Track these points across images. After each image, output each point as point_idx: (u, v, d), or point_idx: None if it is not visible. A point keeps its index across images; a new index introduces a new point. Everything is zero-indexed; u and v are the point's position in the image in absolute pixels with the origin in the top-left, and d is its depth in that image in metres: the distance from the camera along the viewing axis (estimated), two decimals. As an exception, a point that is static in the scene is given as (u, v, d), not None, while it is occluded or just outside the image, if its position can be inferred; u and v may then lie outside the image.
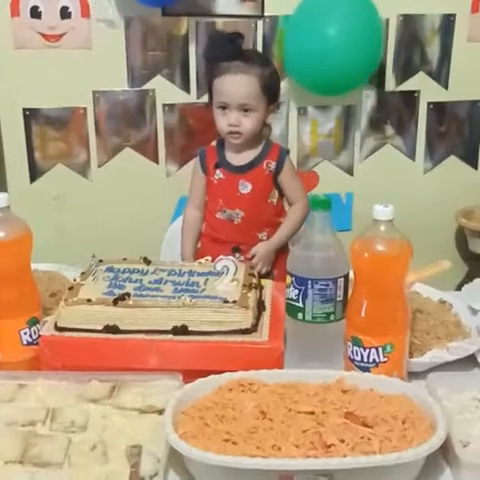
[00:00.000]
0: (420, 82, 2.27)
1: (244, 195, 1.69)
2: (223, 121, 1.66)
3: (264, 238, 1.72)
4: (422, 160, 2.36)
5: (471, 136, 2.37)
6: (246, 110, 1.64)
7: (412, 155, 2.35)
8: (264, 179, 1.69)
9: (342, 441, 0.85)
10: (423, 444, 0.83)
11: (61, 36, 2.11)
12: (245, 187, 1.69)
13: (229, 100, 1.64)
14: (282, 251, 1.73)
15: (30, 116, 2.17)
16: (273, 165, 1.68)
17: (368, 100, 2.27)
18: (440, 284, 1.31)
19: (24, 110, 2.16)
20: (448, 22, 2.22)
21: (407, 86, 2.27)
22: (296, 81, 2.15)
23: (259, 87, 1.64)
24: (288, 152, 1.73)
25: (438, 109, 2.31)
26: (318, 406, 0.91)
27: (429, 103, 2.30)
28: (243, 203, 1.69)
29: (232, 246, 1.70)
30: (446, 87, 2.29)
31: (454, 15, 2.22)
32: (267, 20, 2.15)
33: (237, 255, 1.66)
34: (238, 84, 1.63)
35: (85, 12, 2.10)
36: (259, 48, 2.16)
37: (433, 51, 2.26)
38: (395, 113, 2.30)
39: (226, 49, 1.66)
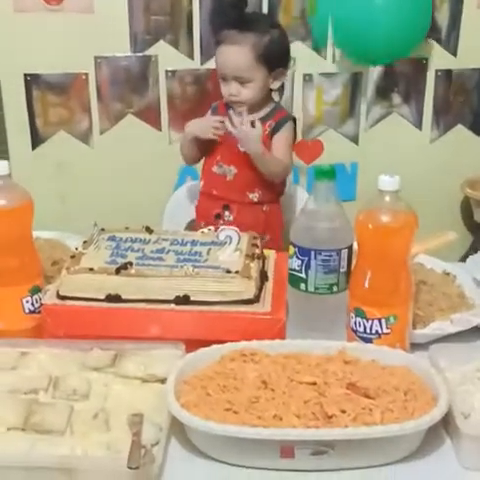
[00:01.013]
0: (428, 49, 2.23)
1: (241, 153, 1.69)
2: (224, 90, 1.68)
3: (255, 199, 1.74)
4: (429, 129, 2.33)
5: (479, 105, 2.34)
6: (242, 82, 1.64)
7: (419, 124, 2.32)
8: (263, 140, 1.68)
9: (343, 412, 0.85)
10: (424, 416, 0.83)
11: (62, -1, 2.07)
12: None
13: (224, 72, 1.66)
14: (273, 216, 1.76)
15: (31, 82, 2.14)
16: (272, 126, 1.70)
17: (375, 67, 2.23)
18: (444, 255, 1.30)
19: (25, 75, 2.13)
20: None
21: (415, 53, 2.23)
22: (342, 51, 2.12)
23: (253, 57, 1.63)
24: (294, 120, 1.72)
25: (446, 77, 2.27)
26: (320, 377, 0.91)
27: (437, 71, 2.26)
28: (239, 160, 1.71)
29: (223, 203, 1.74)
30: (455, 54, 2.25)
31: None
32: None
33: (226, 214, 1.73)
34: (230, 56, 1.64)
35: (87, -26, 2.05)
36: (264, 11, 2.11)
37: (442, 18, 2.20)
38: (402, 81, 2.26)
39: (229, 15, 1.66)
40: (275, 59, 1.67)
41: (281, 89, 1.78)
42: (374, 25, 1.95)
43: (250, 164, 1.70)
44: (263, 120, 1.69)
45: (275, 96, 1.77)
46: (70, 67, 2.14)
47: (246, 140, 1.66)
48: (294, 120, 1.73)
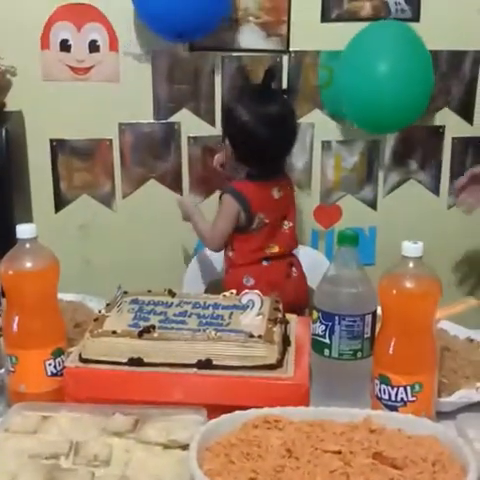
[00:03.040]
0: (445, 117, 2.28)
1: None
2: None
3: None
4: (446, 195, 2.35)
5: (496, 172, 2.36)
6: None
7: (436, 190, 2.35)
8: None
9: (370, 483, 0.82)
10: (454, 488, 0.81)
11: (89, 69, 2.15)
12: None
13: None
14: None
15: (57, 147, 2.21)
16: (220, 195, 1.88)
17: (392, 135, 2.27)
18: (465, 321, 1.29)
19: (51, 141, 2.20)
20: (474, 57, 2.23)
21: (432, 121, 2.27)
22: (349, 119, 2.17)
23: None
24: (227, 192, 1.83)
25: (462, 144, 2.31)
26: (345, 445, 0.89)
27: (454, 138, 2.30)
28: None
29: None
30: (471, 122, 2.29)
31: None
32: (293, 55, 2.18)
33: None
34: None
35: (113, 46, 2.14)
36: (284, 82, 2.18)
37: (459, 87, 2.26)
38: (419, 148, 2.30)
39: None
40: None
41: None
42: (379, 95, 1.99)
43: None
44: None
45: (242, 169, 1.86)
46: (95, 133, 2.20)
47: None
48: (225, 192, 1.82)
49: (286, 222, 1.89)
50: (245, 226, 1.82)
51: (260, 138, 1.76)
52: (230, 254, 1.86)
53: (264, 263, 1.85)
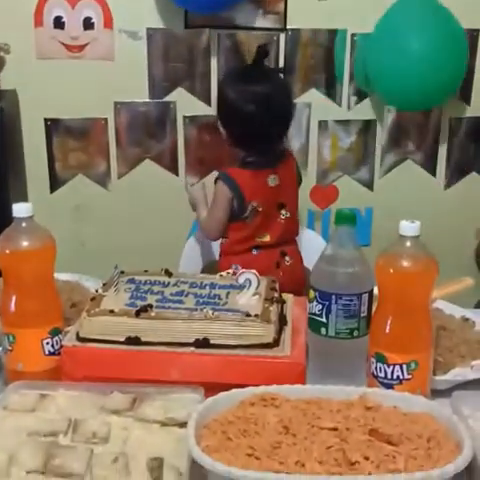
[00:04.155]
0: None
1: None
2: None
3: None
4: (443, 176, 2.35)
5: (493, 152, 2.37)
6: None
7: (433, 171, 2.35)
8: None
9: (367, 458, 0.83)
10: (449, 464, 0.82)
11: (84, 47, 2.13)
12: None
13: None
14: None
15: (51, 126, 2.19)
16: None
17: (389, 115, 2.26)
18: (459, 301, 1.30)
19: (45, 120, 2.18)
20: (472, 38, 2.22)
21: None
22: (379, 97, 2.17)
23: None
24: (221, 178, 1.79)
25: (459, 125, 2.31)
26: (341, 422, 0.90)
27: (451, 119, 2.29)
28: None
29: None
30: (468, 103, 2.28)
31: (478, 30, 2.21)
32: (289, 33, 2.16)
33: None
34: None
35: (108, 23, 2.12)
36: (281, 61, 2.16)
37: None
38: (416, 128, 2.30)
39: None
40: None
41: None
42: (411, 74, 1.99)
43: None
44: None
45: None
46: (90, 112, 2.19)
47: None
48: (220, 178, 1.79)
49: (284, 211, 1.84)
50: (237, 214, 1.79)
51: (246, 116, 1.71)
52: (222, 241, 1.85)
53: (253, 252, 1.82)
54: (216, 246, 1.96)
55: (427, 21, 2.01)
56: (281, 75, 1.92)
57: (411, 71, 1.98)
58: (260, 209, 1.79)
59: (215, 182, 1.81)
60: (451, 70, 2.04)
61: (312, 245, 1.97)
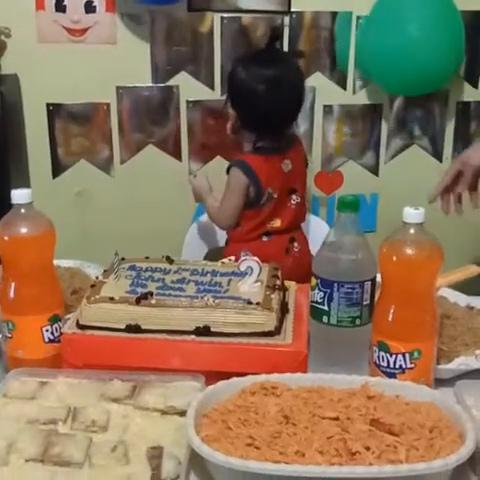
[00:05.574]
0: (449, 81, 2.23)
1: None
2: None
3: None
4: (450, 161, 2.32)
5: (500, 137, 2.34)
6: None
7: (439, 156, 2.32)
8: None
9: (367, 449, 0.82)
10: (451, 455, 0.81)
11: (85, 30, 2.10)
12: None
13: None
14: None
15: (53, 111, 2.17)
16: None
17: (395, 99, 2.23)
18: (466, 288, 1.29)
19: (48, 105, 2.16)
20: (478, 20, 2.18)
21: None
22: (374, 80, 2.14)
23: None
24: (236, 165, 1.76)
25: (467, 109, 2.27)
26: (343, 412, 0.89)
27: (458, 103, 2.26)
28: None
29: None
30: (476, 86, 2.25)
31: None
32: (293, 16, 2.13)
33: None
34: None
35: (110, 7, 2.09)
36: (285, 44, 2.13)
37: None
38: (422, 113, 2.27)
39: None
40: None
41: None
42: (409, 57, 1.96)
43: None
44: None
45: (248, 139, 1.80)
46: (92, 97, 2.17)
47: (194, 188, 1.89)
48: (232, 166, 1.76)
49: (294, 197, 1.82)
50: (252, 202, 1.76)
51: (257, 96, 1.70)
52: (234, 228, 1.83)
53: (264, 238, 1.80)
54: (220, 233, 1.95)
55: (423, 3, 1.98)
56: (296, 59, 1.89)
57: (408, 54, 1.95)
58: (275, 195, 1.77)
59: (228, 171, 1.77)
60: (448, 53, 2.01)
61: (317, 231, 1.96)
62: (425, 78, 2.03)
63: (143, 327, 1.05)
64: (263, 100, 1.71)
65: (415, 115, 2.27)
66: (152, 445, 0.88)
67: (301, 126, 2.18)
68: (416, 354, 0.98)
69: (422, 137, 2.30)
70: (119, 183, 2.25)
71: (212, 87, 2.18)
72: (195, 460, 0.86)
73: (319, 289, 1.06)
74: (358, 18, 2.14)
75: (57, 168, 2.22)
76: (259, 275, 1.13)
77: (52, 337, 1.07)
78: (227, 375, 0.96)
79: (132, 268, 1.19)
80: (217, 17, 2.12)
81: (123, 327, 1.05)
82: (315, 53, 2.17)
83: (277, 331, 1.05)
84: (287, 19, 2.13)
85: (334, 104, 2.23)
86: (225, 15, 2.11)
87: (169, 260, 1.23)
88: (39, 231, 1.05)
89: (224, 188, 1.78)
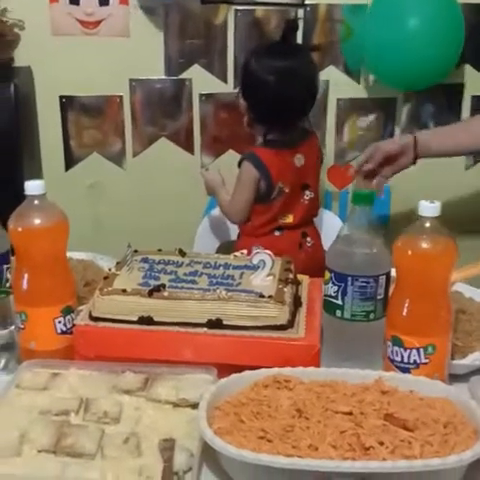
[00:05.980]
0: (464, 74, 2.21)
1: None
2: None
3: None
4: (464, 156, 2.30)
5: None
6: None
7: (454, 150, 2.30)
8: None
9: (381, 444, 0.82)
10: (466, 450, 0.80)
11: (99, 23, 2.10)
12: None
13: None
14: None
15: (66, 104, 2.18)
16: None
17: (409, 93, 2.21)
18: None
19: (61, 98, 2.17)
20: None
21: (450, 79, 2.21)
22: (375, 75, 2.12)
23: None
24: (247, 158, 1.75)
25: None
26: (356, 406, 0.89)
27: (473, 97, 2.24)
28: None
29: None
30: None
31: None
32: (308, 8, 2.11)
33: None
34: None
35: (123, -1, 2.08)
36: (299, 36, 2.12)
37: (478, 43, 2.19)
38: (437, 106, 2.25)
39: None
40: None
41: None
42: (407, 50, 1.94)
43: None
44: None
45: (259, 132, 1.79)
46: (105, 90, 2.17)
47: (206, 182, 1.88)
48: (244, 159, 1.75)
49: (308, 192, 1.80)
50: (263, 196, 1.75)
51: (268, 87, 1.69)
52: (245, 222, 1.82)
53: (276, 233, 1.79)
54: (232, 227, 1.94)
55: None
56: (310, 52, 1.87)
57: (408, 46, 1.93)
58: (286, 190, 1.76)
59: (239, 164, 1.77)
60: (448, 45, 1.99)
61: (329, 226, 1.95)
62: (425, 71, 2.00)
63: (155, 319, 1.05)
64: (273, 91, 1.69)
65: (429, 109, 2.25)
66: (164, 437, 0.88)
67: (314, 120, 2.17)
68: (430, 349, 0.97)
69: (437, 131, 2.27)
70: (131, 176, 2.25)
71: (225, 80, 2.17)
72: (207, 453, 0.85)
73: (333, 283, 1.05)
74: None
75: (70, 160, 2.22)
76: (272, 268, 1.12)
77: (64, 329, 1.07)
78: (239, 368, 0.96)
79: (145, 260, 1.19)
80: (231, 10, 2.11)
81: (135, 319, 1.05)
82: (329, 46, 2.16)
83: (290, 325, 1.04)
84: (301, 12, 2.11)
85: (348, 98, 2.21)
86: (239, 8, 2.10)
87: (182, 253, 1.22)
88: (52, 222, 1.05)
89: (236, 182, 1.77)
